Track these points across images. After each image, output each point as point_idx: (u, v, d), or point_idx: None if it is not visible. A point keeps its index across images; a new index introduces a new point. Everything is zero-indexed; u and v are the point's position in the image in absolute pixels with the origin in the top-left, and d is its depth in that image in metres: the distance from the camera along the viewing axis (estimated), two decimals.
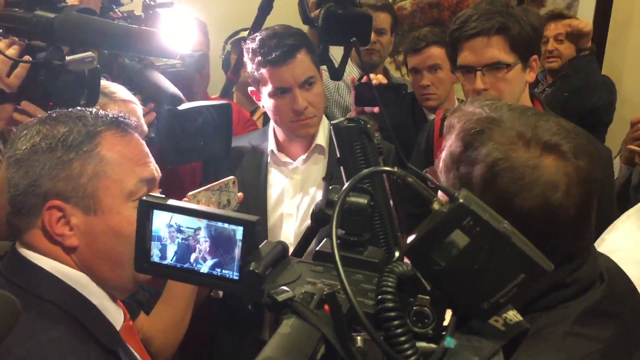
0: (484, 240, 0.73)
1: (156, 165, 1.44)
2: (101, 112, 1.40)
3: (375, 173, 0.91)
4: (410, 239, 0.77)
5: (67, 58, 1.64)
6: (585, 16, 4.32)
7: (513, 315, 0.84)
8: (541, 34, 2.26)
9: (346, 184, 0.84)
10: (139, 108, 1.93)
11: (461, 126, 1.22)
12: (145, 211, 0.96)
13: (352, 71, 3.40)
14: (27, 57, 1.62)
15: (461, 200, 0.73)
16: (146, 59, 2.14)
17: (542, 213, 1.10)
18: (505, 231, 0.72)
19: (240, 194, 2.04)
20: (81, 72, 1.65)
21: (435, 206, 0.76)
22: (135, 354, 1.43)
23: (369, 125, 1.07)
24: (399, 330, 0.76)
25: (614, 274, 1.28)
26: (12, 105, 1.65)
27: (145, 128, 1.93)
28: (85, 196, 1.30)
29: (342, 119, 1.08)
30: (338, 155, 1.10)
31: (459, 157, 1.18)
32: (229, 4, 4.10)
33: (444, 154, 1.25)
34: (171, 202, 0.95)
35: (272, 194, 2.37)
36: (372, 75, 2.51)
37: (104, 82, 1.85)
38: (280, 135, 2.39)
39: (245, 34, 3.04)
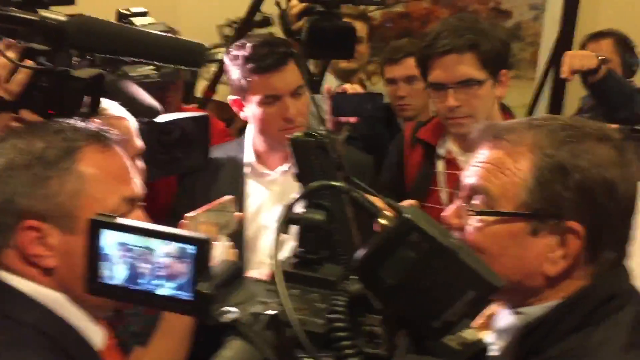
0: (431, 256, 0.71)
1: (140, 181, 1.39)
2: (81, 124, 1.34)
3: (323, 188, 0.88)
4: (357, 255, 0.74)
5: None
6: (551, 28, 4.33)
7: (470, 334, 0.81)
8: (510, 49, 2.26)
9: (288, 203, 0.82)
10: (133, 124, 1.86)
11: (548, 132, 1.20)
12: (94, 230, 0.93)
13: (329, 81, 3.37)
14: (29, 62, 1.50)
15: (406, 215, 0.71)
16: (120, 69, 2.11)
17: (632, 203, 1.18)
18: (453, 246, 0.70)
19: (237, 214, 2.01)
20: (87, 79, 1.54)
21: (382, 221, 0.73)
22: None
23: (326, 140, 1.04)
24: (349, 351, 0.74)
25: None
26: (10, 113, 1.53)
27: (140, 144, 1.86)
28: (64, 215, 1.24)
29: (299, 133, 1.06)
30: (295, 170, 1.07)
31: (565, 168, 1.15)
32: (203, 15, 4.14)
33: (513, 175, 1.19)
34: (120, 220, 0.92)
35: (250, 205, 2.34)
36: (348, 85, 2.50)
37: None
38: (261, 146, 2.36)
39: (220, 55, 3.02)
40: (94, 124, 1.36)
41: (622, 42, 3.70)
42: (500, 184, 1.19)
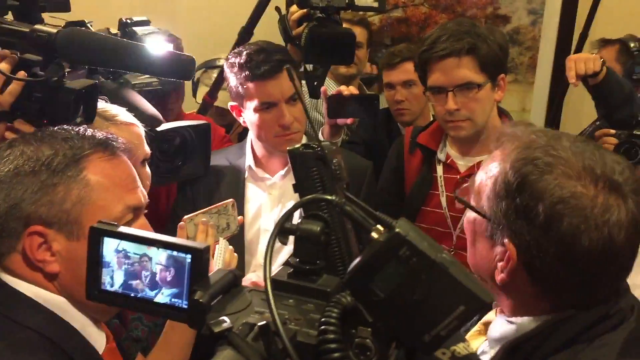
0: (421, 270, 0.71)
1: (143, 190, 1.40)
2: (89, 132, 1.35)
3: (316, 201, 0.89)
4: (349, 269, 0.75)
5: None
6: (549, 33, 4.33)
7: (463, 347, 0.82)
8: (507, 53, 2.28)
9: (282, 214, 0.83)
10: (142, 131, 1.88)
11: (517, 153, 1.17)
12: (96, 238, 0.95)
13: (329, 85, 3.39)
14: (22, 74, 1.53)
15: (397, 230, 0.72)
16: (122, 77, 2.13)
17: (605, 253, 1.10)
18: (443, 262, 0.71)
19: (240, 218, 2.02)
20: (80, 89, 1.57)
21: (374, 235, 0.74)
22: None
23: (326, 151, 1.05)
24: None
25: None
26: (4, 124, 1.56)
27: (148, 150, 1.89)
28: (69, 222, 1.26)
29: (298, 145, 1.07)
30: (294, 181, 1.08)
31: (517, 187, 1.13)
32: (205, 24, 4.16)
33: (488, 178, 1.21)
34: (122, 229, 0.94)
35: (250, 209, 2.36)
36: (343, 87, 2.50)
37: (103, 105, 1.81)
38: (260, 151, 2.38)
39: (222, 61, 3.04)
40: (102, 132, 1.37)
41: (625, 50, 3.72)
42: (480, 183, 1.24)
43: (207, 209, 1.91)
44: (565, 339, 1.15)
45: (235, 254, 1.95)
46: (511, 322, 1.23)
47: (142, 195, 1.38)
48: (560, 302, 1.17)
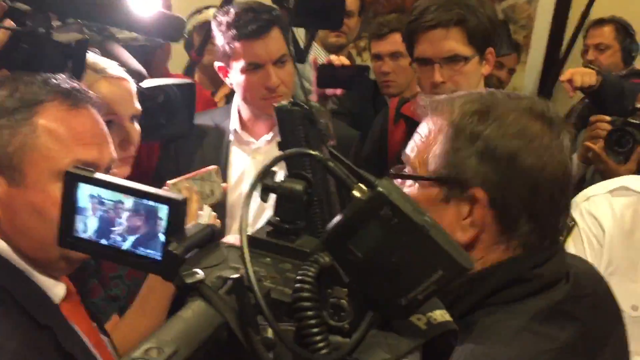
0: (401, 232, 0.70)
1: (112, 150, 1.35)
2: (56, 80, 1.30)
3: (301, 155, 0.88)
4: (328, 226, 0.74)
5: None
6: (545, 12, 4.32)
7: (440, 315, 0.81)
8: (497, 26, 2.26)
9: (262, 168, 0.81)
10: (132, 86, 1.84)
11: (461, 105, 1.21)
12: (71, 183, 0.92)
13: (318, 53, 3.36)
14: (9, 23, 1.46)
15: (380, 189, 0.70)
16: (107, 30, 2.08)
17: (561, 180, 1.19)
18: (425, 224, 0.69)
19: (224, 185, 2.00)
20: (68, 43, 1.52)
21: (356, 193, 0.72)
22: (80, 332, 1.34)
23: (313, 110, 1.03)
24: (311, 322, 0.73)
25: (584, 276, 1.27)
26: None
27: (139, 107, 1.84)
28: (11, 167, 1.22)
29: (285, 102, 1.05)
30: (279, 139, 1.06)
31: (471, 134, 1.17)
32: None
33: (432, 140, 1.22)
34: (98, 175, 0.92)
35: (233, 173, 2.34)
36: (334, 57, 2.48)
37: (94, 57, 1.77)
38: (245, 114, 2.36)
39: (210, 13, 2.99)
40: (73, 82, 1.32)
41: (623, 29, 3.74)
42: (420, 154, 1.23)
43: (191, 174, 1.89)
44: (476, 300, 1.16)
45: (219, 221, 1.93)
46: None
47: (104, 153, 1.32)
48: (512, 246, 1.20)
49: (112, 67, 1.79)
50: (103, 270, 1.80)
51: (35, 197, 1.22)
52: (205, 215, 1.86)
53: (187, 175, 1.88)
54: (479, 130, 1.17)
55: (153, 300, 1.70)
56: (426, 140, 1.23)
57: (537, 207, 1.18)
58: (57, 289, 1.31)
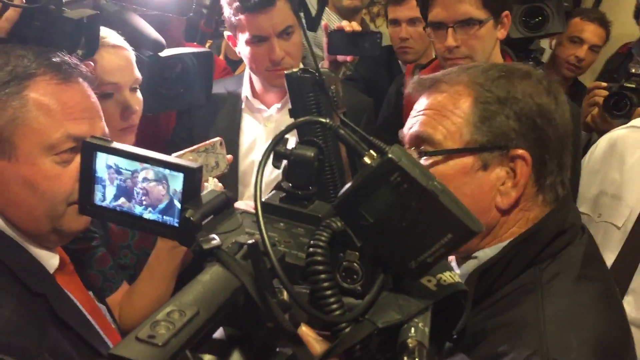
0: (411, 197, 0.71)
1: (102, 124, 1.33)
2: (48, 53, 1.29)
3: (312, 123, 0.89)
4: (340, 192, 0.75)
5: None
6: None
7: (449, 276, 0.83)
8: None
9: (276, 136, 0.82)
10: (131, 55, 1.83)
11: (480, 74, 1.24)
12: (88, 153, 0.95)
13: (330, 19, 3.31)
14: (20, 0, 1.43)
15: (390, 155, 0.71)
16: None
17: (570, 135, 1.25)
18: (434, 189, 0.71)
19: (229, 156, 1.99)
20: (80, 19, 1.48)
21: (367, 160, 0.74)
22: (75, 300, 1.37)
23: (324, 77, 1.04)
24: (324, 284, 0.76)
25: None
26: None
27: (138, 75, 1.84)
28: (2, 140, 1.21)
29: (296, 69, 1.05)
30: (290, 106, 1.07)
31: (504, 98, 1.20)
32: None
33: (456, 111, 1.22)
34: (115, 144, 0.94)
35: (245, 140, 2.35)
36: (345, 22, 2.44)
37: None
38: (257, 83, 2.36)
39: None
40: (64, 56, 1.31)
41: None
42: (442, 127, 1.22)
43: (194, 147, 1.88)
44: (529, 259, 1.19)
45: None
46: (471, 258, 1.24)
47: (95, 127, 1.31)
48: (546, 200, 1.24)
49: (110, 36, 1.78)
50: (112, 239, 1.83)
51: (26, 170, 1.22)
52: (211, 187, 1.87)
53: (192, 148, 1.87)
54: (512, 93, 1.20)
55: (160, 269, 1.73)
56: (445, 113, 1.22)
57: (563, 159, 1.23)
58: (52, 260, 1.33)
